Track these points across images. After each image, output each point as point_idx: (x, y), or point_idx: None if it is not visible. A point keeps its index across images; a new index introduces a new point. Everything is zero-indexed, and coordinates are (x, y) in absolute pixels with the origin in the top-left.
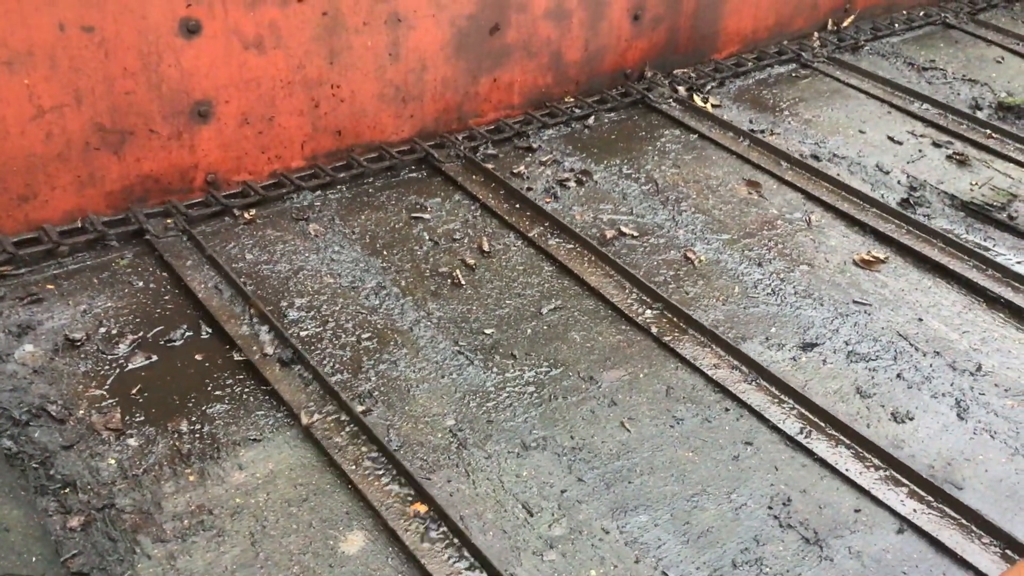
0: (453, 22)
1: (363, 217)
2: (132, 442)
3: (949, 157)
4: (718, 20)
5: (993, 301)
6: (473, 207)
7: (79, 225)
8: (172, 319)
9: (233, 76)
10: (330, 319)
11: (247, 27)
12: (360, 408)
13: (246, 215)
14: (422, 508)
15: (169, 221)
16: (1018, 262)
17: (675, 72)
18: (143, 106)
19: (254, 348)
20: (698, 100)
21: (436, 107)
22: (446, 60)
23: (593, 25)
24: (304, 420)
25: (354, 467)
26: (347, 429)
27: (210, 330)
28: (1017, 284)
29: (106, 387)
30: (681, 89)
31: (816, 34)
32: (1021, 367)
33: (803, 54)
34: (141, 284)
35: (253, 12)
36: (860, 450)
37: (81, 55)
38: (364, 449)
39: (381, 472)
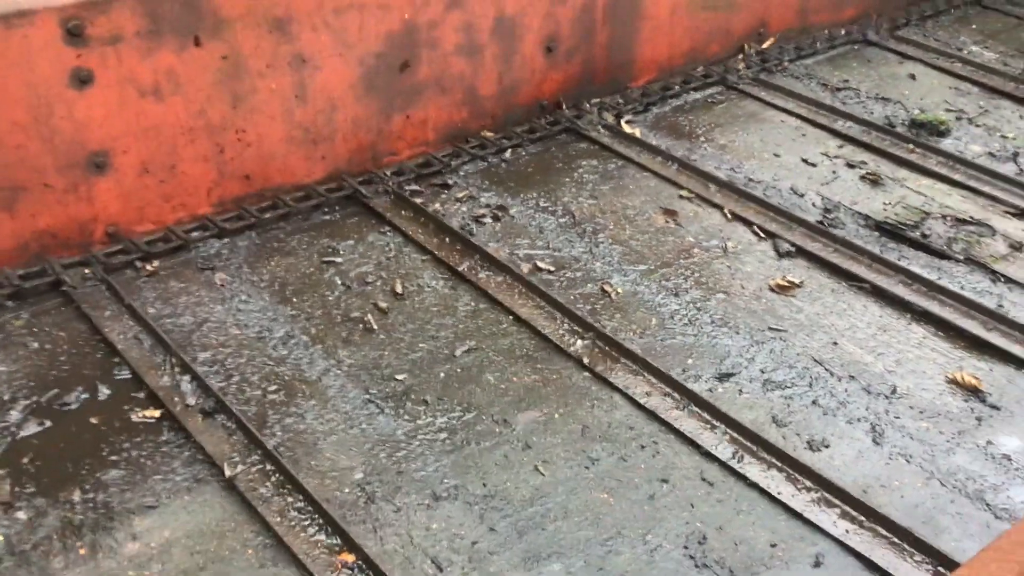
0: (362, 61)
1: (272, 263)
2: (21, 515)
3: (863, 177)
4: (632, 49)
5: (909, 321)
6: (387, 248)
7: None
8: (68, 381)
9: (130, 125)
10: (235, 373)
11: (143, 75)
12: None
13: (147, 267)
14: (349, 558)
15: (87, 271)
16: (934, 280)
17: (603, 99)
18: (35, 160)
19: (175, 399)
20: (625, 126)
21: (348, 147)
22: (356, 99)
23: (507, 59)
24: (228, 472)
25: (279, 519)
26: (272, 479)
27: (109, 391)
28: (941, 299)
29: None
30: (608, 116)
31: (741, 56)
32: (935, 387)
33: (728, 76)
34: (36, 345)
35: (149, 59)
36: (792, 472)
37: None
38: (290, 499)
39: (307, 522)
